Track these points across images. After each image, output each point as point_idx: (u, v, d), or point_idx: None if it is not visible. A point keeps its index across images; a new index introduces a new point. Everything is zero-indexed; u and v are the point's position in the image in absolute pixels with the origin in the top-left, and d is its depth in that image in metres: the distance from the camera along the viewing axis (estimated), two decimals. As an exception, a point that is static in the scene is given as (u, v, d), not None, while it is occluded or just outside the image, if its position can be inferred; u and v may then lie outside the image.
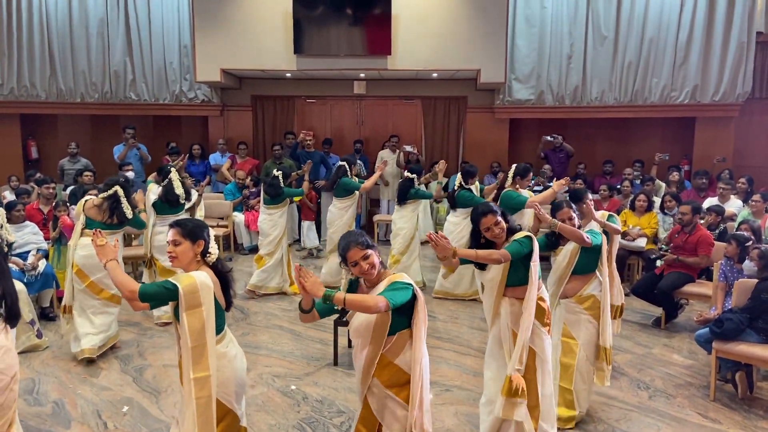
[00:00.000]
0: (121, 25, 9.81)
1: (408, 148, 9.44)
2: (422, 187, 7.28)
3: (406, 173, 7.08)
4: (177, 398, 4.23)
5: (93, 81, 9.92)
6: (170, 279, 2.71)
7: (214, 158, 9.67)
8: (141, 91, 9.99)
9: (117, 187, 5.05)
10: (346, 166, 7.03)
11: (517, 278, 3.35)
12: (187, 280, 2.70)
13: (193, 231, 2.82)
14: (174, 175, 5.85)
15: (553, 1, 9.38)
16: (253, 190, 8.77)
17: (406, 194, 6.98)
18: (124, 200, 5.05)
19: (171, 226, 2.86)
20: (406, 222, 6.97)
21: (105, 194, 5.04)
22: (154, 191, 5.94)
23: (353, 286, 2.89)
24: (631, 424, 3.99)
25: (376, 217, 9.52)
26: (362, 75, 9.74)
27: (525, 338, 3.24)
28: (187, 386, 2.73)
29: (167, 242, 2.85)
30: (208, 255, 2.86)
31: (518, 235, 3.32)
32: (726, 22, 9.13)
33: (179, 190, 5.84)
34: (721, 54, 9.19)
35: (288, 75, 9.66)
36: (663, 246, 6.04)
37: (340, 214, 7.01)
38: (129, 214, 5.09)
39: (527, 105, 9.71)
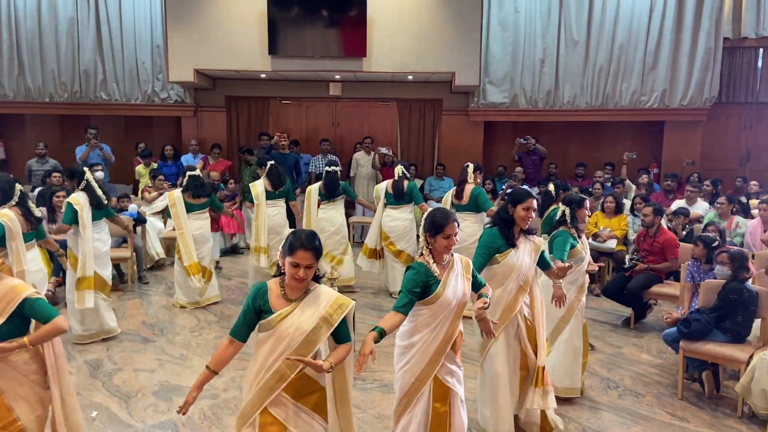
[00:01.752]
0: (92, 24, 9.63)
1: (383, 150, 9.45)
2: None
3: (327, 167, 6.83)
4: (147, 403, 4.18)
5: (62, 80, 9.73)
6: (343, 314, 2.64)
7: (187, 159, 9.55)
8: (112, 90, 9.82)
9: (18, 186, 4.57)
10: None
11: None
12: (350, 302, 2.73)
13: (320, 250, 2.63)
14: (89, 176, 5.46)
15: (526, 6, 9.49)
16: (228, 194, 8.69)
17: (336, 188, 6.78)
18: (28, 201, 4.66)
19: (304, 249, 2.52)
20: (341, 216, 6.86)
21: (14, 201, 4.53)
22: (81, 200, 5.33)
23: (424, 270, 2.97)
24: (600, 423, 4.04)
25: (351, 219, 9.50)
26: (338, 77, 9.72)
27: (543, 332, 3.69)
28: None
29: (296, 265, 2.53)
30: None
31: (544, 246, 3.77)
32: (694, 29, 9.34)
33: (99, 191, 5.47)
34: (689, 59, 9.40)
35: (263, 76, 9.60)
36: (635, 256, 6.15)
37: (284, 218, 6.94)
38: (38, 212, 4.73)
39: (501, 108, 9.80)
